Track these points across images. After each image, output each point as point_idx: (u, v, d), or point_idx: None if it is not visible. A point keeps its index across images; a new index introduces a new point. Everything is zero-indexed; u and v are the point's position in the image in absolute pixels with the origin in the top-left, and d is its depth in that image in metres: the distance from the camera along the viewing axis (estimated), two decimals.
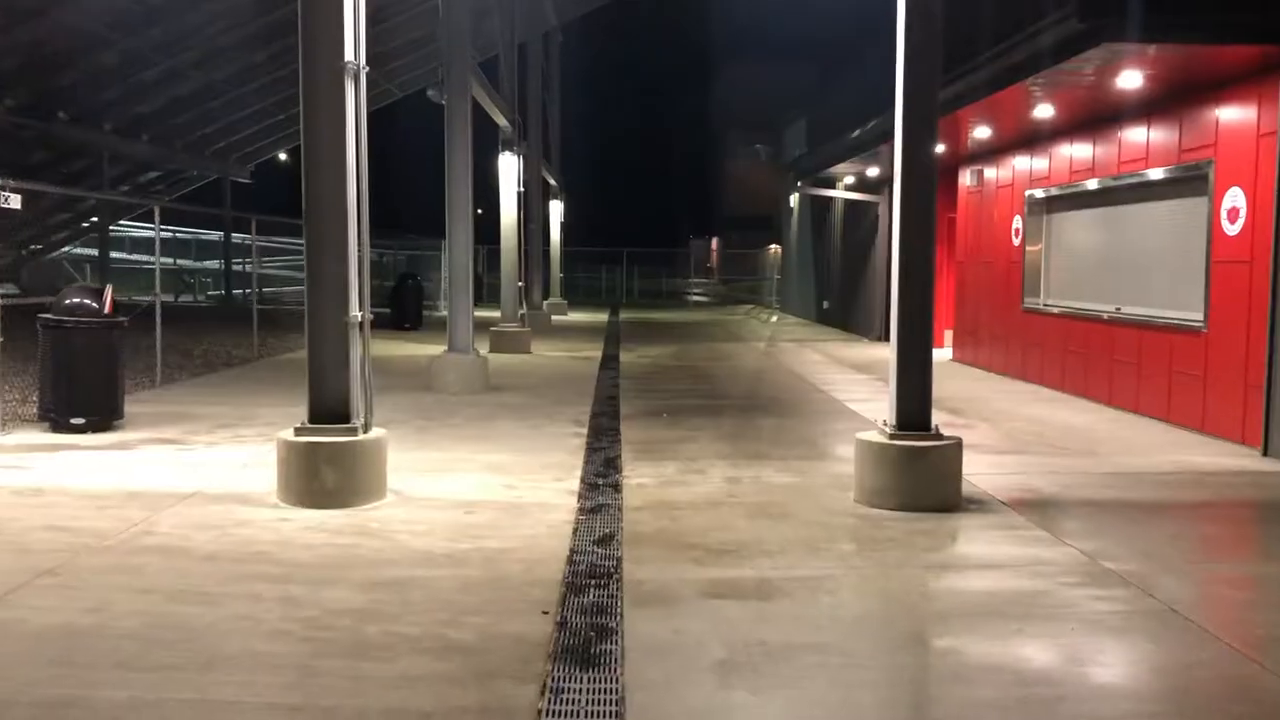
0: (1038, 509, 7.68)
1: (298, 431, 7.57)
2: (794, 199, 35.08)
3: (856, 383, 15.67)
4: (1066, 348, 14.23)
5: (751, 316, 34.89)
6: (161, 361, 13.40)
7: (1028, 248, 15.62)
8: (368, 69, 7.73)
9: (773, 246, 58.81)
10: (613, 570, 6.07)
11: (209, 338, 20.43)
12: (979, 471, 8.61)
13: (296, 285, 39.51)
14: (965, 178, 18.19)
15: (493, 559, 6.28)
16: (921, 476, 7.55)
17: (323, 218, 7.60)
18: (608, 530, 6.97)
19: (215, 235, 35.77)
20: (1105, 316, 13.08)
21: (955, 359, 18.64)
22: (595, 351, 20.40)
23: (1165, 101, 11.59)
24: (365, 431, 7.69)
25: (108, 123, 25.48)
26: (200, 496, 7.71)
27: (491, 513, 7.41)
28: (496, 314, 20.85)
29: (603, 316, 33.21)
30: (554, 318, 29.12)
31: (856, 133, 20.84)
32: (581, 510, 7.52)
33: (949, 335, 20.95)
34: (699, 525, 7.14)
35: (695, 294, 53.49)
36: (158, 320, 13.13)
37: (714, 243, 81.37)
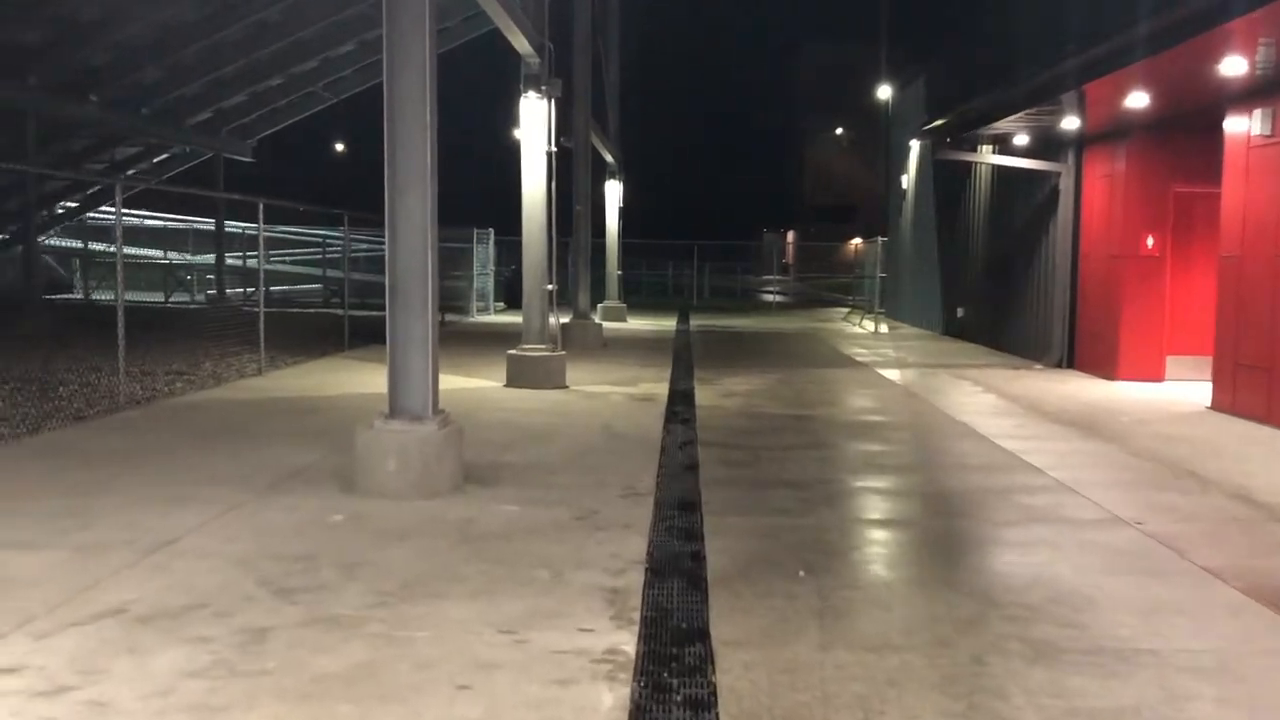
0: None
1: None
2: (906, 179, 28.40)
3: (1095, 460, 9.19)
4: None
5: (850, 323, 28.31)
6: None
7: None
8: None
9: (855, 240, 52.15)
10: None
11: (143, 357, 14.29)
12: None
13: (308, 284, 33.93)
14: (1250, 124, 11.55)
15: None
16: None
17: None
18: None
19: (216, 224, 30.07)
20: None
21: (1216, 407, 12.04)
22: (658, 384, 14.10)
23: None
24: None
25: (32, 76, 19.77)
26: None
27: None
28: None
29: (669, 324, 26.89)
30: (607, 326, 22.84)
31: (1033, 75, 14.24)
32: None
33: (1177, 364, 14.48)
34: None
35: (772, 293, 46.88)
36: None
37: (789, 236, 74.48)
